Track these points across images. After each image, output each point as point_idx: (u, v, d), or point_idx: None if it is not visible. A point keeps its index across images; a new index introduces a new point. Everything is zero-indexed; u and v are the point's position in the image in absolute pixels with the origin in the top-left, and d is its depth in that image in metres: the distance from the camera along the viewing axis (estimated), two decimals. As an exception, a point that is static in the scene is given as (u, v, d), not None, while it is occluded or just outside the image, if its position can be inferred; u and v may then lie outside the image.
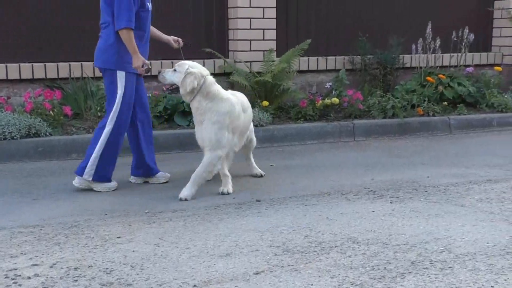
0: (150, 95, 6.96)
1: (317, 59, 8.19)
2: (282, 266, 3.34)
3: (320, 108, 7.31)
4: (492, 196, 4.73)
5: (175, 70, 4.83)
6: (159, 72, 4.93)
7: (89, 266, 3.34)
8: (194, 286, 3.10)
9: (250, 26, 7.65)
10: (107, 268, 3.31)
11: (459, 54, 8.53)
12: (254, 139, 5.50)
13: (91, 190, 4.95)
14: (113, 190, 5.01)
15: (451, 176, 5.41)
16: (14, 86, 6.85)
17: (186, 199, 4.70)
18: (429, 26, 8.22)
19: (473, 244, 3.66)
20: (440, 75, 8.11)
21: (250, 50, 7.69)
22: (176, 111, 6.85)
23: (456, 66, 8.54)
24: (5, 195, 4.79)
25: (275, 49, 7.69)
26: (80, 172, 4.94)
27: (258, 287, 3.07)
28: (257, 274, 3.25)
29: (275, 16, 7.76)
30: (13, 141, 5.90)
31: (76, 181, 4.97)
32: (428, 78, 8.04)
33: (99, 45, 4.97)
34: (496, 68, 8.90)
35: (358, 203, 4.59)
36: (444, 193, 4.84)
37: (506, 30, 9.21)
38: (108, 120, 4.93)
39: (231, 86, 7.68)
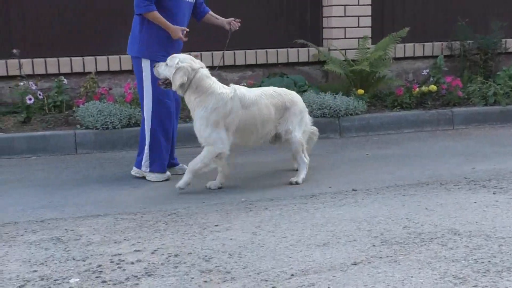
0: (245, 84, 7.03)
1: (414, 45, 7.99)
2: (381, 257, 3.29)
3: (417, 95, 7.13)
4: None
5: (167, 64, 4.67)
6: (154, 67, 4.76)
7: (188, 253, 3.40)
8: (292, 275, 3.10)
9: (345, 14, 7.55)
10: (206, 256, 3.37)
11: None
12: (294, 138, 4.90)
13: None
14: (165, 180, 5.04)
15: (558, 166, 5.16)
16: (115, 77, 7.08)
17: (180, 188, 4.63)
18: (534, 8, 7.85)
19: None
20: (546, 60, 7.73)
21: (345, 38, 7.61)
22: (271, 100, 6.86)
23: None
24: (108, 183, 4.96)
25: (370, 36, 7.56)
26: (138, 165, 5.09)
27: (356, 278, 3.04)
28: (355, 264, 3.21)
29: (370, 3, 7.63)
30: (114, 130, 6.10)
31: (133, 170, 5.14)
32: (533, 63, 7.68)
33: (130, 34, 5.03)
34: None
35: (459, 193, 4.45)
36: (551, 184, 4.62)
37: None
38: (144, 111, 4.99)
39: (325, 74, 7.64)
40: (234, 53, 7.34)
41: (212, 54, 7.19)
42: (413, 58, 8.09)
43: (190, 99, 4.67)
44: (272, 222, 3.91)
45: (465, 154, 5.74)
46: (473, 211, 4.03)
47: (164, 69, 4.68)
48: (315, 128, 5.35)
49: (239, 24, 5.26)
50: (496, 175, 4.93)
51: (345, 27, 7.59)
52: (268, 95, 4.85)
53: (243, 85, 6.93)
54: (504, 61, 8.19)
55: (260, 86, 6.92)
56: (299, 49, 7.51)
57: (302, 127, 5.00)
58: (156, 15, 4.80)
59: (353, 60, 7.36)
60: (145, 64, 4.92)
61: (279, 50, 7.51)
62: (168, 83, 4.70)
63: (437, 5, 8.20)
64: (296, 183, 4.86)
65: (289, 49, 7.53)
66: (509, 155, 5.63)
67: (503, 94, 7.22)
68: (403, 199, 4.35)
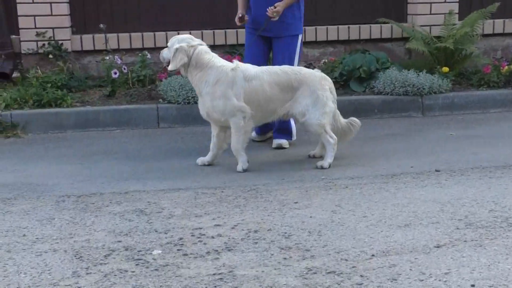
0: (326, 60, 6.96)
1: (504, 21, 7.67)
2: (465, 241, 3.20)
3: (505, 74, 6.84)
4: None
5: (167, 47, 4.69)
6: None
7: (268, 230, 3.42)
8: (372, 255, 3.06)
9: (431, -12, 7.32)
10: (285, 233, 3.37)
11: None
12: (310, 121, 4.71)
13: (267, 156, 5.06)
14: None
15: None
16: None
17: (242, 170, 4.61)
18: None
19: None
20: None
21: (430, 14, 7.38)
22: (352, 77, 6.76)
23: None
24: (189, 157, 5.03)
25: (456, 11, 7.30)
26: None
27: (439, 261, 2.97)
28: (438, 247, 3.14)
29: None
30: (196, 105, 6.11)
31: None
32: None
33: None
34: None
35: (549, 177, 4.27)
36: None
37: None
38: None
39: (408, 51, 7.46)
40: (316, 29, 7.25)
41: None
42: (503, 34, 7.77)
43: (192, 77, 4.65)
44: (352, 201, 3.87)
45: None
46: None
47: (166, 53, 4.71)
48: (355, 119, 4.99)
49: (274, 11, 5.09)
50: None
51: (431, 2, 7.35)
52: (272, 73, 4.71)
53: (324, 62, 6.92)
54: None
55: (341, 63, 6.83)
56: (382, 25, 7.33)
57: (318, 108, 4.69)
58: None
59: (437, 37, 7.13)
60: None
61: (361, 26, 7.37)
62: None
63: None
64: (322, 167, 4.66)
65: (371, 25, 7.37)
66: None
67: None
68: (489, 181, 4.21)
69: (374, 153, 5.07)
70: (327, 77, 4.90)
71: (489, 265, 2.90)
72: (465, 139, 5.49)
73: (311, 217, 3.61)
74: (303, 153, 5.09)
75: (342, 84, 6.79)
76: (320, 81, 4.76)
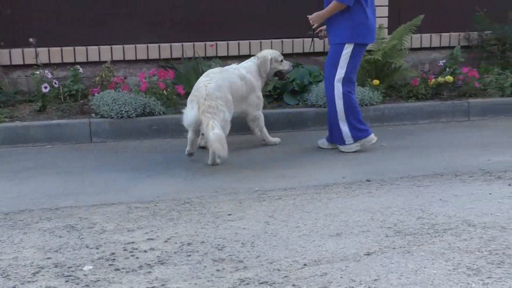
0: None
1: (431, 36, 7.93)
2: (394, 248, 3.28)
3: (433, 86, 7.07)
4: None
5: (282, 61, 5.93)
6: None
7: (201, 242, 3.41)
8: (305, 265, 3.10)
9: (361, 3, 7.48)
10: (219, 245, 3.37)
11: None
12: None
13: (202, 167, 5.07)
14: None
15: None
16: (130, 66, 7.10)
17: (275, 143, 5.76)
18: (554, -2, 7.74)
19: None
20: None
21: (361, 28, 7.53)
22: (286, 91, 6.85)
23: None
24: (122, 171, 4.98)
25: (386, 26, 7.50)
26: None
27: (369, 268, 3.03)
28: (368, 255, 3.20)
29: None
30: (129, 119, 6.12)
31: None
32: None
33: None
34: None
35: (474, 185, 4.42)
36: None
37: None
38: None
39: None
40: (250, 43, 7.32)
41: (227, 43, 7.18)
42: (430, 48, 8.03)
43: None
44: (285, 212, 3.90)
45: (480, 145, 5.70)
46: (488, 202, 4.00)
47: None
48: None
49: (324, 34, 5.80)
50: (512, 166, 4.90)
51: (360, 17, 7.51)
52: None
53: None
54: (524, 52, 8.11)
55: (275, 76, 6.90)
56: (315, 39, 7.45)
57: None
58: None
59: (368, 51, 7.30)
60: None
61: (294, 40, 7.47)
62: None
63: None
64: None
65: (304, 39, 7.48)
66: (526, 147, 5.58)
67: (523, 86, 7.15)
68: (417, 190, 4.32)
69: (307, 164, 5.14)
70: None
71: (416, 270, 2.98)
72: (395, 149, 5.63)
73: (244, 228, 3.63)
74: (236, 166, 5.11)
75: (276, 97, 6.86)
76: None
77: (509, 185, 4.37)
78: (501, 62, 7.83)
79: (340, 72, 5.42)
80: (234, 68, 5.68)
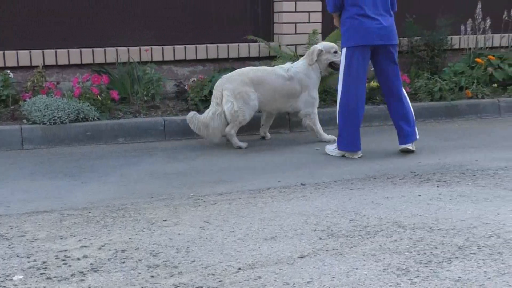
0: (196, 79, 7.03)
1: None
2: (327, 250, 3.34)
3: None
4: (543, 180, 4.63)
5: (336, 52, 6.06)
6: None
7: (136, 249, 3.39)
8: (239, 269, 3.12)
9: (295, 9, 7.60)
10: (153, 251, 3.36)
11: (510, 35, 8.31)
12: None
13: (138, 173, 5.03)
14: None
15: (500, 159, 5.30)
16: (63, 71, 6.98)
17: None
18: (479, 5, 8.03)
19: (523, 229, 3.59)
20: (490, 56, 7.93)
21: (295, 33, 7.65)
22: (221, 95, 6.87)
23: (507, 47, 8.33)
24: (56, 178, 4.89)
25: (320, 31, 7.62)
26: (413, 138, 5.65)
27: (302, 271, 3.08)
28: (301, 257, 3.25)
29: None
30: (62, 125, 6.02)
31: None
32: (477, 59, 7.87)
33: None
34: (550, 48, 8.65)
35: (404, 187, 4.54)
36: (493, 177, 4.74)
37: (559, 9, 8.92)
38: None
39: (276, 69, 7.66)
40: (185, 47, 7.31)
41: (162, 48, 7.18)
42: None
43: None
44: (220, 217, 3.92)
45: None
46: (417, 204, 4.12)
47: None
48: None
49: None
50: (441, 168, 5.05)
51: (295, 22, 7.63)
52: None
53: (193, 80, 6.98)
54: (450, 58, 8.37)
55: (210, 81, 6.92)
56: (250, 44, 7.53)
57: None
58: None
59: (302, 55, 7.39)
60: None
61: (230, 45, 7.51)
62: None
63: (385, 1, 8.30)
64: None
65: (240, 44, 7.54)
66: (453, 149, 5.77)
67: (448, 90, 7.38)
68: (350, 192, 4.41)
69: (243, 168, 5.18)
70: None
71: (348, 272, 3.05)
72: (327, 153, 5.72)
73: (179, 234, 3.62)
74: (173, 170, 5.11)
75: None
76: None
77: (437, 186, 4.51)
78: (430, 67, 8.07)
79: (340, 76, 5.62)
80: (282, 68, 6.07)
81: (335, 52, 6.10)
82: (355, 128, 5.50)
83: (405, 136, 5.62)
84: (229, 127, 5.91)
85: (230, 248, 3.39)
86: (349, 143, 5.51)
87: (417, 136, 5.68)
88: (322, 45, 6.19)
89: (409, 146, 5.63)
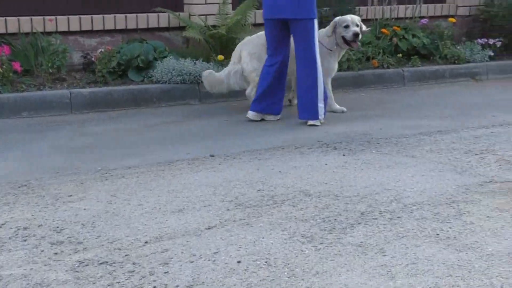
0: (103, 50, 6.86)
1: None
2: (234, 221, 3.37)
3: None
4: (442, 146, 4.82)
5: (357, 25, 5.88)
6: (357, 34, 5.91)
7: (39, 226, 3.31)
8: (146, 242, 3.11)
9: (205, -22, 7.52)
10: (57, 227, 3.30)
11: (414, 6, 8.55)
12: None
13: (43, 147, 4.90)
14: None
15: (403, 127, 5.48)
16: None
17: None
18: (385, -23, 8.20)
19: (421, 194, 3.74)
20: (395, 27, 8.13)
21: (206, 3, 7.56)
22: (130, 67, 6.75)
23: (411, 18, 8.55)
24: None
25: (230, 1, 7.58)
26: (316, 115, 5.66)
27: (209, 242, 3.10)
28: (209, 229, 3.27)
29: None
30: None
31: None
32: (383, 30, 8.05)
33: None
34: (450, 19, 8.92)
35: (312, 156, 4.63)
36: (395, 144, 4.91)
37: (460, -19, 9.24)
38: (317, 68, 5.63)
39: (186, 41, 7.59)
40: (92, 17, 7.10)
41: (68, 18, 6.95)
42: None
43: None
44: (128, 190, 3.88)
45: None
46: (323, 172, 4.21)
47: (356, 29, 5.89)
48: None
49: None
50: (347, 137, 5.17)
51: (205, -8, 7.56)
52: None
53: (101, 51, 6.81)
54: (358, 28, 8.50)
55: (119, 52, 6.78)
56: (159, 14, 7.39)
57: None
58: None
59: (213, 26, 7.36)
60: (316, 24, 5.63)
61: (138, 15, 7.35)
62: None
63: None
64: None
65: (149, 14, 7.39)
66: (360, 118, 5.91)
67: (355, 60, 7.53)
68: (258, 163, 4.46)
69: (152, 141, 5.13)
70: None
71: (254, 241, 3.09)
72: (239, 124, 5.74)
73: (85, 209, 3.56)
74: (79, 144, 4.99)
75: (120, 74, 6.74)
76: None
77: (343, 155, 4.63)
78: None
79: None
80: None
81: (347, 26, 5.92)
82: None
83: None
84: (249, 89, 6.09)
85: (137, 222, 3.37)
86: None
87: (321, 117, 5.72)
88: (339, 18, 6.08)
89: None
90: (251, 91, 6.04)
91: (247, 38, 6.24)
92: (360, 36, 5.97)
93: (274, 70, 5.71)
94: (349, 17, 5.98)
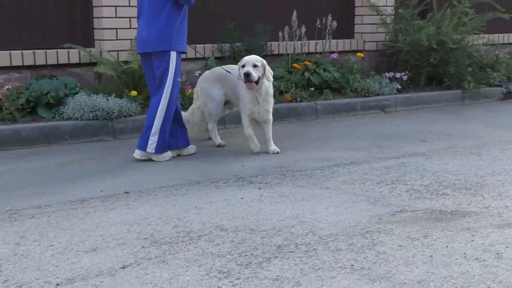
0: (10, 87, 6.67)
1: (204, 46, 8.15)
2: (150, 258, 3.31)
3: (190, 96, 7.27)
4: (355, 177, 4.93)
5: (255, 65, 5.64)
6: (248, 75, 5.59)
7: None
8: (57, 284, 3.00)
9: (116, 15, 7.46)
10: (-38, 272, 3.13)
11: (324, 41, 8.79)
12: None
13: None
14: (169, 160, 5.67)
15: (317, 160, 5.57)
16: None
17: (278, 152, 5.87)
18: (295, 14, 8.38)
19: (336, 225, 3.80)
20: (306, 62, 8.32)
21: (117, 39, 7.51)
22: (40, 104, 6.58)
23: (321, 53, 8.78)
24: None
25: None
26: (142, 147, 5.56)
27: (124, 281, 3.02)
28: (123, 268, 3.19)
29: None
30: None
31: (137, 153, 5.58)
32: (295, 64, 8.22)
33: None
34: (359, 54, 9.24)
35: (228, 190, 4.62)
36: (310, 176, 4.98)
37: (366, 18, 9.57)
38: (162, 99, 5.56)
39: (98, 76, 7.48)
40: (-2, 53, 6.91)
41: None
42: (186, 59, 8.20)
43: (263, 86, 5.77)
44: (38, 231, 3.74)
45: (234, 152, 5.97)
46: (239, 206, 4.21)
47: (256, 71, 5.64)
48: None
49: None
50: (262, 171, 5.20)
51: (116, 28, 7.49)
52: None
53: (7, 88, 6.61)
54: (270, 63, 8.47)
55: (27, 89, 6.60)
56: (70, 50, 7.27)
57: None
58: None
59: (125, 62, 7.30)
60: (173, 56, 5.56)
61: (47, 51, 7.20)
62: (257, 82, 5.67)
63: (205, 9, 8.40)
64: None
65: (58, 50, 7.25)
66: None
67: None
68: (174, 199, 4.41)
69: (64, 179, 4.98)
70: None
71: (170, 279, 3.04)
72: (152, 160, 5.67)
73: (-8, 252, 3.41)
74: (-14, 185, 4.80)
75: (29, 111, 6.56)
76: None
77: (259, 188, 4.65)
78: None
79: None
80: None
81: (243, 66, 5.73)
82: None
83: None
84: (209, 123, 6.30)
85: (48, 263, 3.25)
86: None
87: (149, 150, 5.58)
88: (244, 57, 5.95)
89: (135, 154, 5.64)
90: (210, 125, 6.26)
91: (204, 73, 6.41)
92: (256, 77, 5.61)
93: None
94: (248, 57, 5.77)
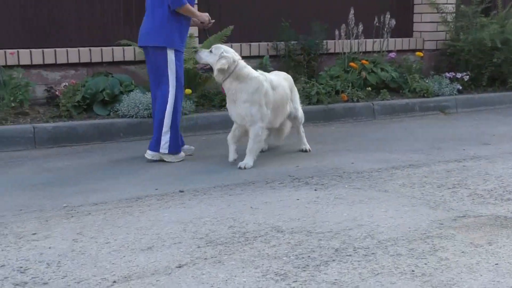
0: (67, 83, 6.75)
1: (241, 45, 8.09)
2: (205, 258, 3.26)
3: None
4: (415, 180, 4.79)
5: (211, 51, 5.24)
6: (196, 51, 5.38)
7: (1, 266, 3.17)
8: (114, 282, 2.98)
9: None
10: (21, 267, 3.15)
11: (382, 40, 8.63)
12: (299, 115, 5.88)
13: (4, 183, 4.73)
14: (182, 160, 5.53)
15: (375, 161, 5.45)
16: None
17: (245, 167, 5.22)
18: (352, 11, 8.25)
19: (395, 229, 3.68)
20: (363, 61, 8.18)
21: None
22: (96, 101, 6.63)
23: (379, 52, 8.62)
24: None
25: (196, 35, 7.55)
26: (154, 148, 5.44)
27: (180, 281, 2.98)
28: (179, 267, 3.16)
29: (196, 2, 7.59)
30: None
31: (149, 154, 5.46)
32: (352, 64, 8.09)
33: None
34: (418, 53, 9.04)
35: (283, 191, 4.55)
36: (368, 179, 4.86)
37: (426, 16, 9.36)
38: (169, 97, 5.40)
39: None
40: (55, 51, 6.99)
41: (30, 51, 6.82)
42: (241, 58, 8.19)
43: (232, 85, 5.21)
44: (94, 228, 3.75)
45: (289, 152, 5.90)
46: (296, 207, 4.13)
47: (207, 55, 5.24)
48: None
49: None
50: (318, 172, 5.11)
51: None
52: (283, 77, 5.71)
53: (64, 85, 6.70)
54: (326, 62, 8.55)
55: (83, 86, 6.67)
56: (125, 47, 7.32)
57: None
58: (188, 7, 5.35)
59: (181, 60, 7.28)
60: (170, 53, 5.34)
61: (103, 48, 7.27)
62: (207, 68, 5.27)
63: (263, 6, 8.37)
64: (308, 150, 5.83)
65: (114, 47, 7.31)
66: (331, 152, 5.86)
67: (325, 94, 7.53)
68: (229, 199, 4.36)
69: (119, 177, 5.00)
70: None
71: (226, 280, 2.99)
72: (208, 159, 5.64)
73: (50, 248, 3.42)
74: (43, 180, 4.84)
75: (85, 108, 6.62)
76: None
77: (315, 190, 4.56)
78: (307, 71, 8.21)
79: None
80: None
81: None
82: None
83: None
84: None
85: (105, 261, 3.24)
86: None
87: (162, 150, 5.46)
88: None
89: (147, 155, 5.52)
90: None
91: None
92: (203, 58, 5.27)
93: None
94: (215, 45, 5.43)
